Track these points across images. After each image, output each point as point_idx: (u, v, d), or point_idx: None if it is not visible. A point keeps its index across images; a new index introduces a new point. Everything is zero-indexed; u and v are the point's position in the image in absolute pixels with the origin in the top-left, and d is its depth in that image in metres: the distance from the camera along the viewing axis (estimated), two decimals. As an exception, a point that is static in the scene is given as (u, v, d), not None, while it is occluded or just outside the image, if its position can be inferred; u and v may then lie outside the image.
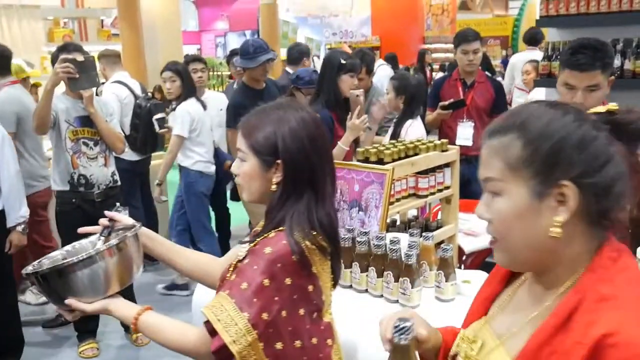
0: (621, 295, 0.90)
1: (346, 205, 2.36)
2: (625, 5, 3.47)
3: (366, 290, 2.14)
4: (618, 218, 0.97)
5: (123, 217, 1.64)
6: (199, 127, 4.48)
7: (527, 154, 0.96)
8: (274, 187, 1.46)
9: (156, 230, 4.75)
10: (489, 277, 1.21)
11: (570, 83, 2.32)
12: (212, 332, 1.37)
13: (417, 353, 1.08)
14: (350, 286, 2.17)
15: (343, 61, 3.47)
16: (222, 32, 18.17)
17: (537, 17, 3.91)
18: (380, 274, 2.05)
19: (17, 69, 4.51)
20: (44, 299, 4.57)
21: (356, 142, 3.40)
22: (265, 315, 1.36)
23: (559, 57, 3.82)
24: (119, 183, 3.88)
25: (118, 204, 3.66)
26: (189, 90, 4.52)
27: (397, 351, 1.03)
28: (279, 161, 1.44)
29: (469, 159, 3.93)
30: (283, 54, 6.97)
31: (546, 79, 3.93)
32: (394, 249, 2.00)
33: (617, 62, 3.57)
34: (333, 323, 1.58)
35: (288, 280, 1.39)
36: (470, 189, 3.82)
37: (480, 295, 1.20)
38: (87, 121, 3.61)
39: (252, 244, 1.46)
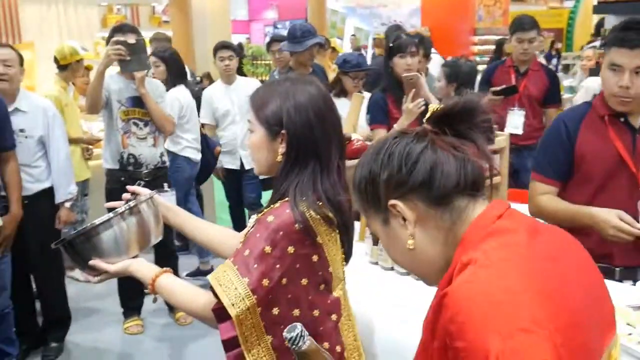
0: (475, 258, 0.92)
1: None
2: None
3: (392, 268, 2.14)
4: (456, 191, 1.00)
5: (144, 190, 1.72)
6: (187, 114, 4.45)
7: (360, 201, 1.08)
8: (279, 157, 1.49)
9: (202, 213, 4.85)
10: None
11: (617, 63, 2.03)
12: (216, 295, 1.42)
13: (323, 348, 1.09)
14: (392, 268, 2.17)
15: (391, 44, 3.41)
16: (271, 22, 18.26)
17: (595, 3, 3.79)
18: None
19: (71, 50, 4.62)
20: (92, 275, 4.70)
21: None
22: (265, 282, 1.39)
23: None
24: (167, 164, 3.95)
25: (166, 184, 3.78)
26: (176, 76, 4.44)
27: (301, 358, 1.04)
28: (283, 131, 1.47)
29: (519, 149, 3.85)
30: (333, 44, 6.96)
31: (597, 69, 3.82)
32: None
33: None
34: (344, 299, 1.59)
35: (290, 249, 1.41)
36: (519, 179, 3.74)
37: None
38: (138, 102, 3.68)
39: (260, 215, 1.49)
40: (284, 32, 4.85)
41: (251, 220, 1.55)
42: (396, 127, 3.21)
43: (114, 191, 3.71)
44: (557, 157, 2.16)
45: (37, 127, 3.39)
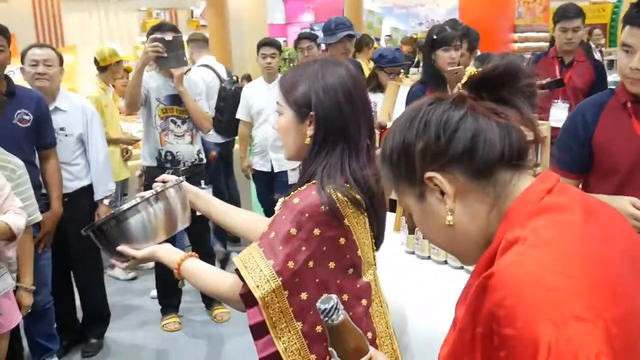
0: (523, 236, 0.85)
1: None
2: None
3: (445, 262, 2.07)
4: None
5: (172, 177, 1.74)
6: None
7: (391, 174, 0.99)
8: (307, 140, 1.47)
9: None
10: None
11: (628, 43, 1.87)
12: (241, 278, 1.40)
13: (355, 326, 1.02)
14: (429, 257, 2.11)
15: (435, 36, 3.34)
16: (308, 24, 18.28)
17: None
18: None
19: (110, 52, 4.69)
20: (132, 274, 4.75)
21: None
22: (291, 264, 1.36)
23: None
24: (205, 161, 3.96)
25: (203, 182, 3.79)
26: None
27: (334, 333, 0.98)
28: (312, 113, 1.45)
29: (562, 142, 3.72)
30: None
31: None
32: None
33: None
34: (375, 285, 1.55)
35: (316, 231, 1.38)
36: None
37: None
38: (176, 99, 3.70)
39: (287, 197, 1.47)
40: (320, 34, 4.75)
41: (278, 204, 1.54)
42: None
43: (151, 189, 3.74)
44: (572, 149, 2.06)
45: (76, 126, 3.43)
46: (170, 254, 1.60)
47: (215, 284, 1.53)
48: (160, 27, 3.66)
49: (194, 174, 3.77)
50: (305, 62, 1.58)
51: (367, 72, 5.12)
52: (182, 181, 1.71)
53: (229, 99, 4.97)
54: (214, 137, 4.92)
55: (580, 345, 0.73)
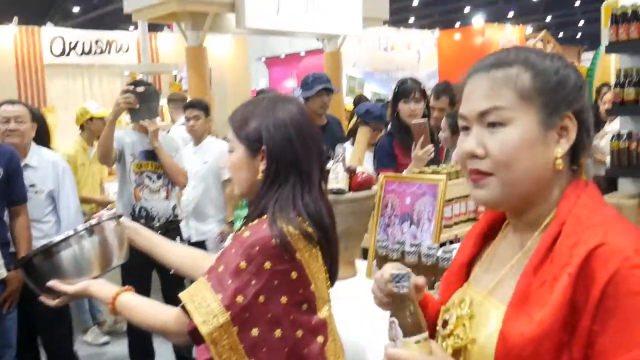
0: (598, 216, 0.93)
1: (397, 219, 2.26)
2: None
3: None
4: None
5: (110, 212, 1.71)
6: None
7: (538, 85, 0.97)
8: (260, 175, 1.47)
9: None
10: (461, 244, 1.19)
11: None
12: (188, 313, 1.36)
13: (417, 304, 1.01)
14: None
15: (397, 89, 3.42)
16: (291, 90, 18.63)
17: (606, 43, 3.74)
18: (431, 286, 1.91)
19: (82, 110, 4.72)
20: (105, 338, 4.59)
21: None
22: (240, 298, 1.32)
23: (632, 83, 3.63)
24: (180, 217, 3.91)
25: (179, 238, 3.72)
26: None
27: (397, 302, 0.99)
28: (263, 148, 1.45)
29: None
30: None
31: (619, 107, 3.73)
32: (445, 258, 1.87)
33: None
34: (330, 321, 1.51)
35: (267, 265, 1.35)
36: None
37: (455, 263, 1.18)
38: (151, 155, 3.69)
39: (237, 232, 1.45)
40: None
41: (228, 239, 1.51)
42: (404, 173, 3.16)
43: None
44: None
45: (47, 182, 3.39)
46: (104, 288, 1.54)
47: (156, 318, 1.46)
48: (135, 83, 3.70)
49: (169, 230, 3.71)
50: (255, 98, 1.59)
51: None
52: (120, 216, 1.67)
53: (208, 157, 4.96)
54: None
55: None
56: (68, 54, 9.50)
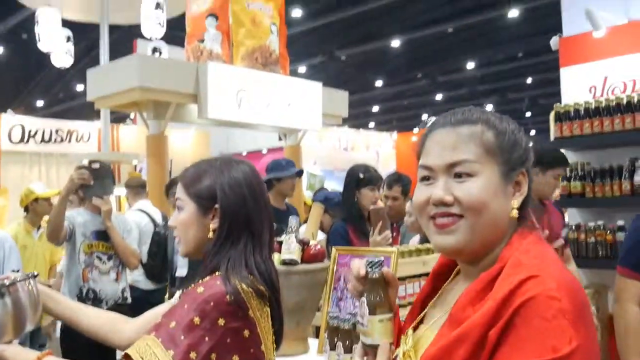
0: (537, 259, 1.00)
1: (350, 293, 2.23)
2: (640, 123, 3.49)
3: None
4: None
5: (21, 274, 1.65)
6: None
7: (499, 143, 1.07)
8: (210, 234, 1.47)
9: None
10: (425, 284, 1.26)
11: None
12: None
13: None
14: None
15: (362, 175, 3.48)
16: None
17: (552, 139, 3.94)
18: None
19: (26, 191, 4.65)
20: None
21: None
22: (193, 355, 1.27)
23: (577, 177, 3.80)
24: (129, 300, 3.78)
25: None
26: None
27: (369, 285, 1.13)
28: (216, 206, 1.46)
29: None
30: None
31: (567, 199, 3.87)
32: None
33: (637, 178, 3.52)
34: None
35: (221, 321, 1.32)
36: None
37: (415, 301, 1.26)
38: (103, 235, 3.62)
39: (186, 289, 1.42)
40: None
41: (175, 296, 1.47)
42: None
43: (70, 328, 3.51)
44: None
45: (-8, 258, 3.27)
46: (20, 354, 1.46)
47: None
48: (90, 162, 3.69)
49: (118, 313, 3.57)
50: (208, 159, 1.60)
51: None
52: (35, 276, 1.61)
53: (162, 243, 4.90)
54: (144, 284, 4.77)
55: None
56: (27, 142, 9.45)
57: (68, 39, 8.14)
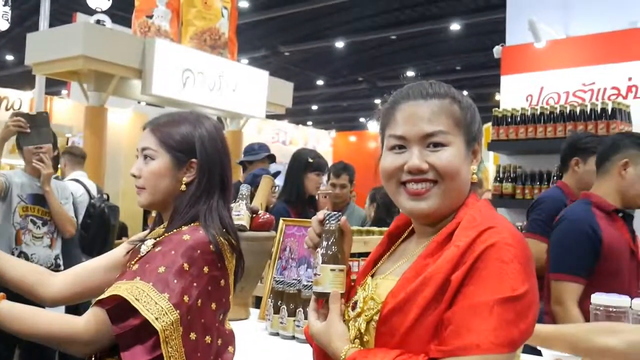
0: (489, 217, 1.12)
1: (294, 262, 2.32)
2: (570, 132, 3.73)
3: (293, 337, 2.11)
4: None
5: None
6: None
7: (463, 115, 1.18)
8: (183, 187, 1.46)
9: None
10: (378, 245, 1.34)
11: None
12: (122, 314, 1.27)
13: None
14: (293, 337, 2.09)
15: (310, 159, 3.55)
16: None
17: (489, 141, 4.14)
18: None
19: None
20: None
21: None
22: (186, 298, 1.30)
23: (509, 179, 4.02)
24: (62, 268, 3.70)
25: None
26: None
27: (326, 236, 1.20)
28: (193, 160, 1.46)
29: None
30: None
31: (498, 199, 4.08)
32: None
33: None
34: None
35: (206, 269, 1.36)
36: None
37: (369, 259, 1.33)
38: (39, 200, 3.52)
39: (161, 237, 1.42)
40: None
41: (146, 244, 1.43)
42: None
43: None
44: (585, 254, 2.27)
45: None
46: None
47: (54, 325, 1.30)
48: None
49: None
50: (178, 111, 1.59)
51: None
52: None
53: (96, 216, 4.79)
54: (75, 255, 4.66)
55: None
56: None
57: (6, 2, 7.82)
